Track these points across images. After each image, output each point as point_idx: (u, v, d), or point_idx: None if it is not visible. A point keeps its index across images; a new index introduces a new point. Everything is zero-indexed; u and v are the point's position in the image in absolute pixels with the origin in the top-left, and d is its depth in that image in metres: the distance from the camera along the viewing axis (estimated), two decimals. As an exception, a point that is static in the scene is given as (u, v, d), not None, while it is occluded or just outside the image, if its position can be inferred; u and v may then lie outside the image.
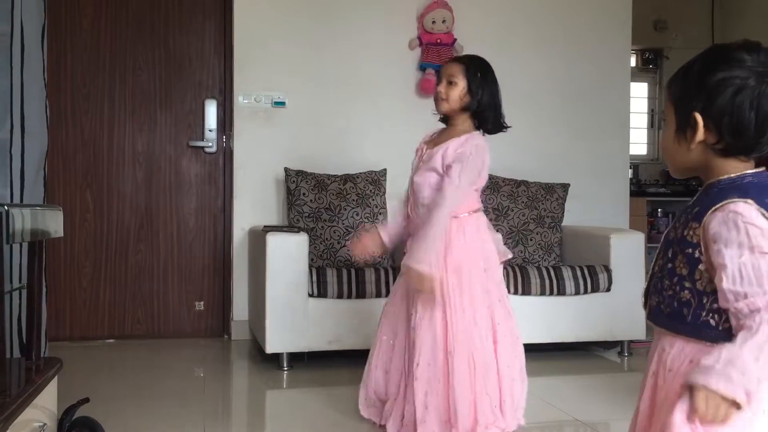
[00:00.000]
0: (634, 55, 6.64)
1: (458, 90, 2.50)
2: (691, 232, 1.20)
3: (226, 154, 4.31)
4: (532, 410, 2.68)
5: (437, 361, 2.42)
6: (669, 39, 6.75)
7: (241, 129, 4.20)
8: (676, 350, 1.22)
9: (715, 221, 1.16)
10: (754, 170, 1.20)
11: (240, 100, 4.19)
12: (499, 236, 2.74)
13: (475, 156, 2.45)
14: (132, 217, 4.22)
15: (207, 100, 4.30)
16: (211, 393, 3.21)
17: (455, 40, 4.40)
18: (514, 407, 2.50)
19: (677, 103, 1.23)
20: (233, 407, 3.18)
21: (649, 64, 6.86)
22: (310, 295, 3.46)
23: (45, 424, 1.86)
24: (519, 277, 3.72)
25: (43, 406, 1.89)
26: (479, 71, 2.52)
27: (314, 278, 3.47)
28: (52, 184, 3.84)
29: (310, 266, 3.53)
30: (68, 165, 4.13)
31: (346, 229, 3.88)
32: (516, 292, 3.71)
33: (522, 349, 2.60)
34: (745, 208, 1.13)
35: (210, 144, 4.29)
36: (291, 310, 3.42)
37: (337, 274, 3.50)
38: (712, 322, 1.17)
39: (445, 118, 2.61)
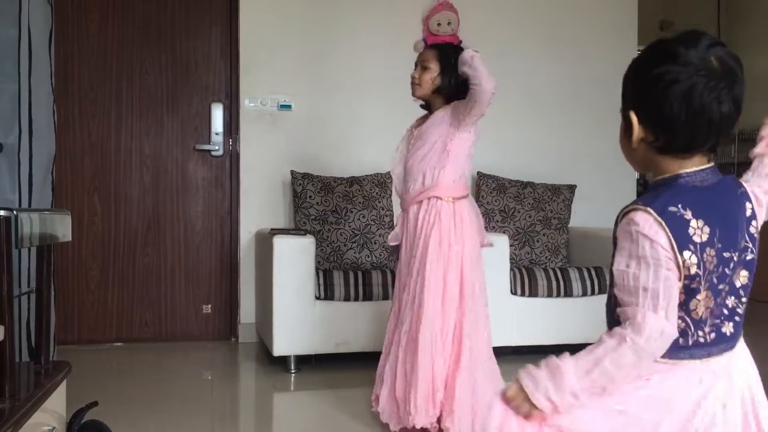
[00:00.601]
0: (640, 56, 6.63)
1: (430, 74, 2.60)
2: (614, 235, 1.21)
3: (232, 157, 4.32)
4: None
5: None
6: (675, 39, 6.73)
7: (247, 132, 4.21)
8: None
9: (620, 227, 1.16)
10: (693, 168, 1.16)
11: (246, 103, 4.20)
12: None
13: None
14: (139, 221, 4.23)
15: (213, 103, 4.31)
16: (218, 396, 3.21)
17: (460, 42, 4.38)
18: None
19: (622, 101, 1.21)
20: (241, 410, 3.19)
21: (655, 64, 6.85)
22: (317, 298, 3.46)
23: (54, 427, 1.87)
24: (526, 279, 3.71)
25: (52, 409, 1.90)
26: (453, 56, 2.58)
27: (321, 281, 3.47)
28: (60, 188, 3.85)
29: (317, 269, 3.53)
30: (76, 169, 4.15)
31: (353, 232, 3.89)
32: (523, 294, 3.70)
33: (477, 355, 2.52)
34: (642, 218, 1.11)
35: (216, 147, 4.30)
36: (298, 312, 3.42)
37: (343, 276, 3.51)
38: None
39: (428, 106, 2.69)
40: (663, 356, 1.13)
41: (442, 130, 2.57)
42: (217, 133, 4.30)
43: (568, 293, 3.73)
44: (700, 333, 1.14)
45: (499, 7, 4.56)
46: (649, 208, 1.11)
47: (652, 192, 1.18)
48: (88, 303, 4.16)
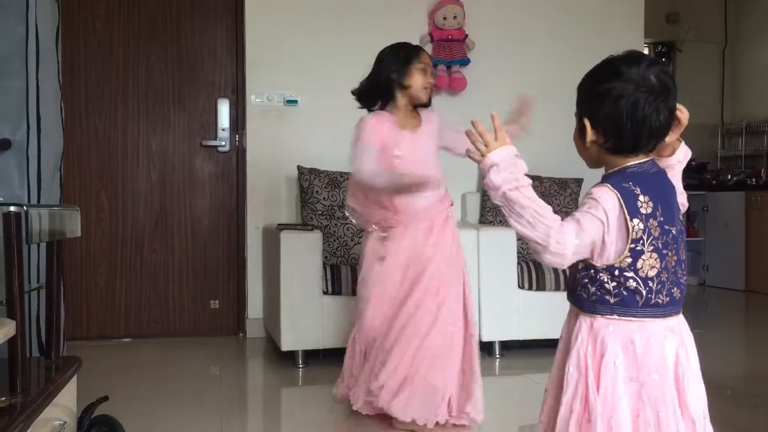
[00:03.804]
0: (647, 49, 6.60)
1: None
2: None
3: (239, 152, 4.33)
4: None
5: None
6: (681, 32, 6.70)
7: (253, 128, 4.22)
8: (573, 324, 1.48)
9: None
10: (637, 161, 1.38)
11: (252, 99, 4.21)
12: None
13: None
14: (147, 217, 4.25)
15: (220, 99, 4.32)
16: (227, 390, 3.23)
17: (466, 36, 4.39)
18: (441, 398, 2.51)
19: (577, 108, 1.46)
20: (249, 404, 3.20)
21: (663, 57, 6.82)
22: (325, 293, 3.47)
23: (65, 422, 1.88)
24: (533, 273, 3.71)
25: (63, 404, 1.91)
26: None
27: (328, 276, 3.48)
28: (67, 185, 3.85)
29: (324, 264, 3.54)
30: (83, 166, 4.17)
31: (359, 227, 3.88)
32: (530, 288, 3.70)
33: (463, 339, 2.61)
34: (599, 190, 1.34)
35: (223, 143, 4.31)
36: (305, 307, 3.43)
37: (351, 271, 3.51)
38: (583, 294, 1.42)
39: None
40: (628, 314, 1.34)
41: (434, 141, 2.73)
42: (223, 129, 4.31)
43: (576, 287, 3.72)
44: (656, 294, 1.33)
45: (505, 1, 4.55)
46: (606, 183, 1.36)
47: (606, 179, 1.40)
48: (96, 299, 4.18)
